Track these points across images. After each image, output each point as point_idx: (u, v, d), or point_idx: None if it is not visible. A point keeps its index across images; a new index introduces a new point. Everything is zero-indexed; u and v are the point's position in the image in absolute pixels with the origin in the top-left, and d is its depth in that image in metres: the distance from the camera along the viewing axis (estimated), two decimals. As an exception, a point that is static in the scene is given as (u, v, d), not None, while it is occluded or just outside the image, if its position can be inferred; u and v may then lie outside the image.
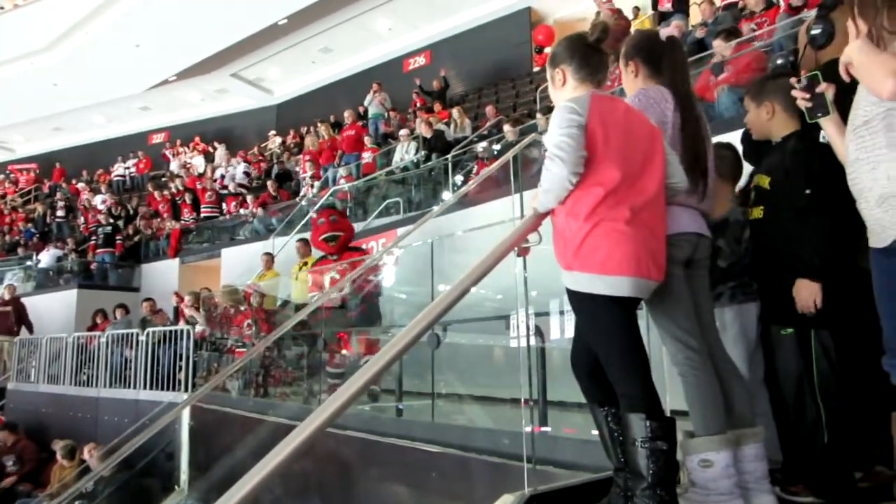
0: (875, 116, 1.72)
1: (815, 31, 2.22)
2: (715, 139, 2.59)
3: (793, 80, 2.02)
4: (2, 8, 18.07)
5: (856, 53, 1.67)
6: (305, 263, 8.25)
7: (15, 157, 22.24)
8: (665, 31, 2.18)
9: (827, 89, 1.90)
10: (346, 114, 12.44)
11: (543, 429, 3.36)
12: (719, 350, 2.07)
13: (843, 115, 1.86)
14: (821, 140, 2.09)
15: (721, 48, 5.62)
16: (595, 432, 2.06)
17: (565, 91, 2.00)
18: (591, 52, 1.98)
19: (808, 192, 2.11)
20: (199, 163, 16.79)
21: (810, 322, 2.14)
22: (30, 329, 11.70)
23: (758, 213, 2.31)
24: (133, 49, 15.09)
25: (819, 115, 1.93)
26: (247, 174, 13.92)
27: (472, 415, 4.52)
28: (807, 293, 2.11)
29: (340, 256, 6.87)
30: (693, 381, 1.95)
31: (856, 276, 1.95)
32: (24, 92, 17.19)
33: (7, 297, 11.83)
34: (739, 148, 2.60)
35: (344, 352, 6.33)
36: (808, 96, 1.93)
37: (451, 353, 4.59)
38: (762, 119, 2.36)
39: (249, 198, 12.77)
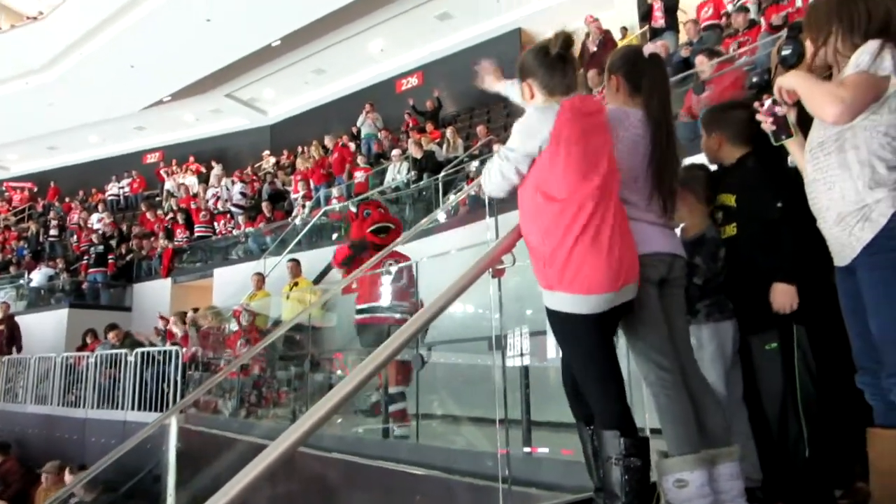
0: (828, 138, 1.78)
1: (785, 52, 2.28)
2: (693, 158, 2.63)
3: (756, 104, 2.06)
4: (-1, 28, 18.25)
5: (796, 82, 1.74)
6: (296, 284, 8.24)
7: (10, 175, 22.24)
8: (648, 48, 2.18)
9: (788, 112, 1.94)
10: (325, 139, 12.52)
11: (525, 449, 3.34)
12: (692, 368, 2.07)
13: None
14: (788, 163, 2.13)
15: (703, 66, 5.71)
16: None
17: (535, 103, 2.01)
18: (555, 62, 1.98)
19: (779, 205, 2.17)
20: (192, 182, 16.81)
21: (789, 319, 2.18)
22: (19, 349, 11.62)
23: (731, 230, 2.35)
24: (128, 69, 15.17)
25: (783, 137, 1.97)
26: (243, 194, 13.93)
27: (457, 436, 4.50)
28: (782, 296, 2.16)
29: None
30: (665, 402, 1.94)
31: (829, 284, 1.98)
32: (20, 111, 17.25)
33: (1, 315, 11.77)
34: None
35: (339, 372, 6.28)
36: (770, 119, 1.96)
37: (435, 374, 4.58)
38: (712, 147, 2.46)
39: (241, 218, 12.79)
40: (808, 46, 1.85)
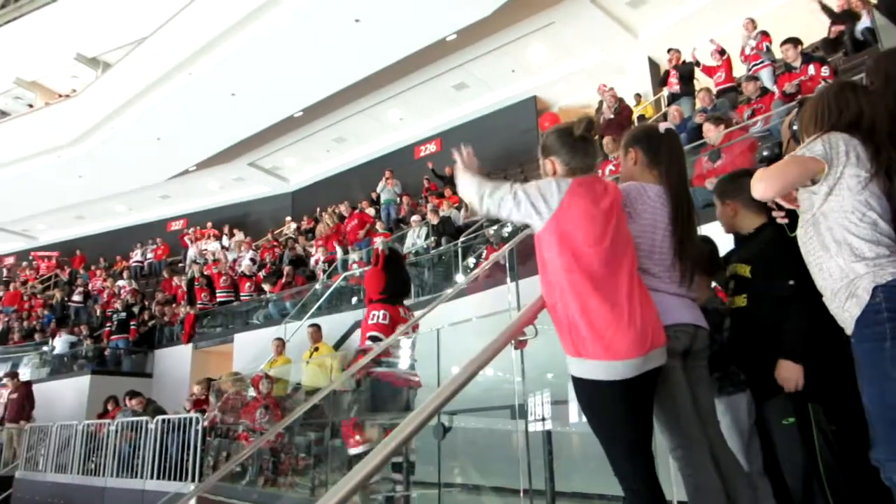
0: (805, 223, 1.92)
1: (796, 126, 2.34)
2: (705, 226, 2.69)
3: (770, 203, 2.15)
4: (31, 106, 19.08)
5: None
6: (317, 349, 8.27)
7: (37, 244, 22.77)
8: (664, 125, 2.28)
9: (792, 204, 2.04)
10: (341, 207, 12.75)
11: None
12: (721, 444, 2.04)
13: None
14: None
15: (710, 133, 5.80)
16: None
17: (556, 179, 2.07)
18: (578, 143, 2.07)
19: (791, 283, 2.18)
20: (214, 248, 17.11)
21: (804, 395, 2.16)
22: (27, 418, 11.61)
23: (741, 301, 2.37)
24: (155, 142, 15.67)
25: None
26: (252, 261, 14.13)
27: (483, 504, 4.42)
28: (787, 373, 2.16)
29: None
30: (693, 477, 1.92)
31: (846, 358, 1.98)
32: (51, 183, 17.75)
33: (10, 385, 11.89)
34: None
35: (357, 438, 6.22)
36: (783, 214, 2.06)
37: (458, 442, 4.53)
38: (728, 216, 2.51)
39: (266, 286, 12.96)
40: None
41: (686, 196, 2.19)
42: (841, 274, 1.81)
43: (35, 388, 12.54)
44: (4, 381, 12.09)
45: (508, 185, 2.02)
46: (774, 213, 2.15)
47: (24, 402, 11.68)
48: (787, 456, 2.25)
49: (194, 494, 4.15)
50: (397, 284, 5.33)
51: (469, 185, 2.10)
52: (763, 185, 1.88)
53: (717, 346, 2.31)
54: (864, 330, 1.76)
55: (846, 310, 1.80)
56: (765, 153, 4.64)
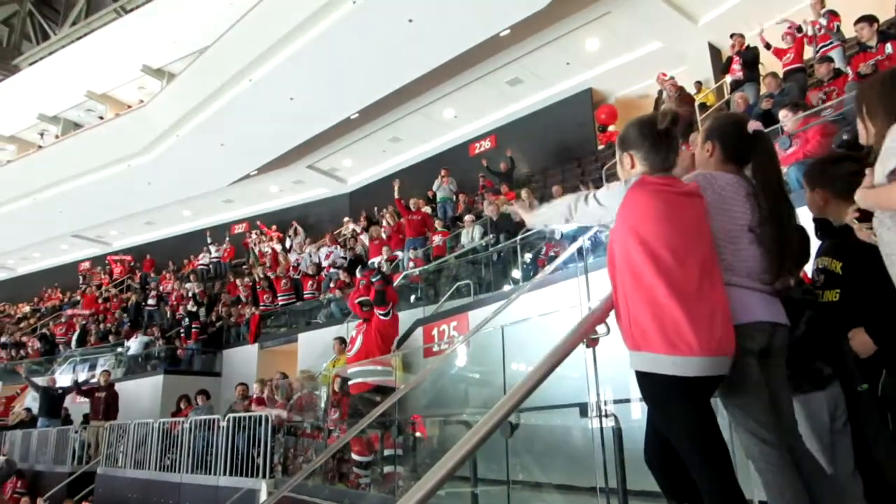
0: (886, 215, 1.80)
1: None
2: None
3: (854, 224, 2.07)
4: (101, 118, 20.00)
5: (866, 203, 1.85)
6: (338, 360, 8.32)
7: (111, 249, 23.90)
8: (753, 125, 2.15)
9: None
10: (412, 201, 12.82)
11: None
12: (802, 446, 1.96)
13: None
14: None
15: (787, 119, 5.56)
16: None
17: (635, 173, 2.02)
18: (660, 138, 2.00)
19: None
20: (277, 249, 17.53)
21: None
22: (113, 416, 12.17)
23: (832, 296, 2.26)
24: (218, 148, 16.19)
25: None
26: (344, 258, 14.26)
27: (551, 502, 4.37)
28: (860, 342, 2.12)
29: (369, 323, 6.88)
30: (772, 480, 1.85)
31: None
32: (122, 190, 18.60)
33: (103, 382, 12.50)
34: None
35: (418, 434, 6.29)
36: (871, 229, 1.94)
37: (528, 439, 4.51)
38: (817, 204, 2.40)
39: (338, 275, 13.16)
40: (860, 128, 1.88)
41: (784, 200, 2.09)
42: None
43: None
44: (98, 379, 12.72)
45: (583, 194, 2.03)
46: (860, 234, 2.07)
47: (111, 402, 12.26)
48: (866, 422, 2.19)
49: (282, 493, 4.24)
50: None
51: (553, 216, 2.16)
52: (866, 204, 1.81)
53: (794, 341, 2.21)
54: None
55: None
56: (844, 137, 4.40)
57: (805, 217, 2.55)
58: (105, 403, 12.17)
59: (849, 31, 7.85)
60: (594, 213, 1.98)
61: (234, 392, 9.92)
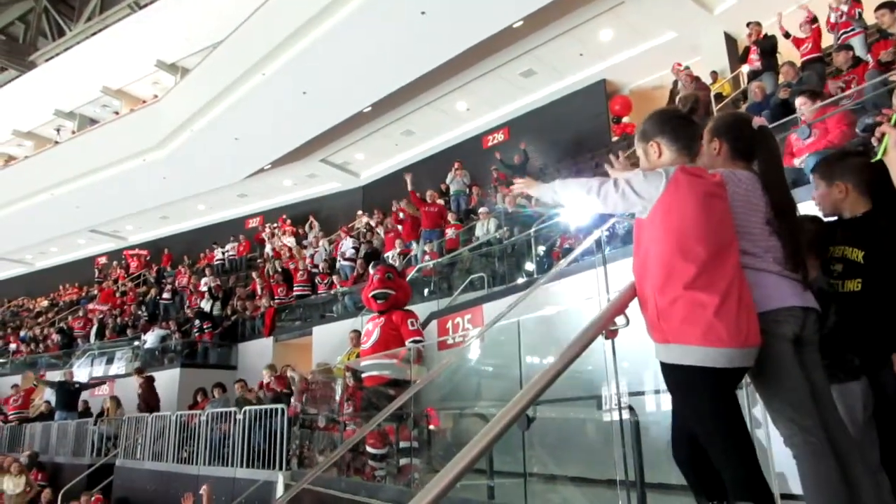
0: None
1: None
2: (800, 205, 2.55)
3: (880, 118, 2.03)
4: (117, 113, 20.15)
5: None
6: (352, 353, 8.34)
7: (128, 244, 24.11)
8: (757, 121, 2.16)
9: None
10: (428, 193, 12.78)
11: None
12: (842, 434, 1.93)
13: None
14: None
15: (805, 108, 5.45)
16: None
17: (662, 162, 2.03)
18: (683, 123, 2.02)
19: None
20: (290, 243, 17.61)
21: None
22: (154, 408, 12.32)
23: (853, 285, 2.24)
24: (232, 142, 16.24)
25: None
26: (355, 249, 14.29)
27: (566, 495, 4.37)
28: None
29: (387, 317, 6.84)
30: (813, 467, 1.83)
31: None
32: (137, 185, 18.74)
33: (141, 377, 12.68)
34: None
35: (432, 427, 6.30)
36: None
37: (542, 432, 4.50)
38: (835, 198, 2.36)
39: (335, 278, 13.25)
40: None
41: (789, 198, 2.11)
42: None
43: (130, 380, 13.32)
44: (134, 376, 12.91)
45: (611, 179, 1.99)
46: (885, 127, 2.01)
47: (148, 396, 12.39)
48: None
49: (302, 484, 4.26)
50: None
51: (572, 192, 2.10)
52: None
53: (826, 331, 2.19)
54: None
55: None
56: (867, 121, 4.32)
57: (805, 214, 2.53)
58: (144, 398, 12.34)
59: (870, 18, 7.72)
60: (629, 200, 1.94)
61: (235, 389, 10.01)
